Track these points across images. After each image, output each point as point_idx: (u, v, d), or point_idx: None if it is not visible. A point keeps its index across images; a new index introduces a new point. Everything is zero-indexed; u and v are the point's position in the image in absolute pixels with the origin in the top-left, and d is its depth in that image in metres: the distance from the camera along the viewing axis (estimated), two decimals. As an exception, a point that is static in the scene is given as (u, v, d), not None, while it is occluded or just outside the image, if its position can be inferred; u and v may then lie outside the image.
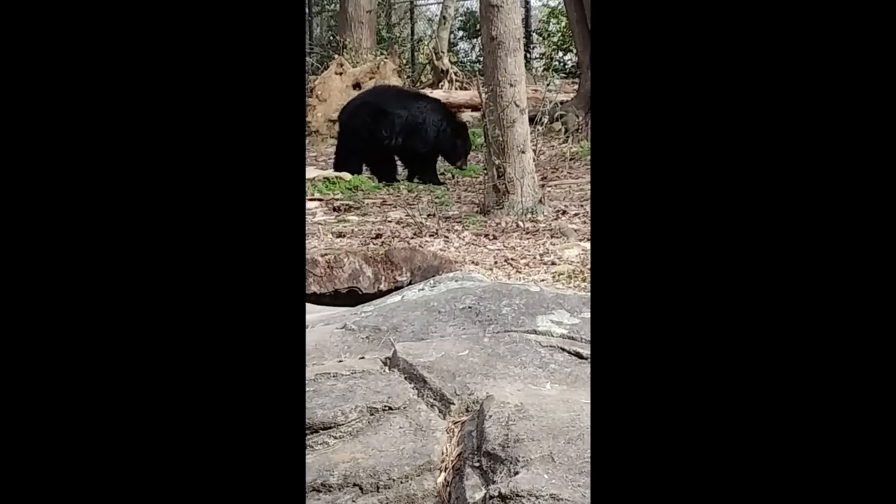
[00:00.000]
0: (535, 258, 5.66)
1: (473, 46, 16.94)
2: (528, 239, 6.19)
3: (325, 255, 4.86)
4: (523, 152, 6.93)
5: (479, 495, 2.30)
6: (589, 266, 5.34)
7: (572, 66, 14.97)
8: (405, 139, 8.77)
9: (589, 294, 3.98)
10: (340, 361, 3.01)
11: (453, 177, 9.23)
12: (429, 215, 7.06)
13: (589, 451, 2.32)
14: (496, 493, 2.23)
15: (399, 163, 9.25)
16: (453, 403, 2.70)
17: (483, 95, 7.08)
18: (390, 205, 7.70)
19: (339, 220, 6.93)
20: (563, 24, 15.01)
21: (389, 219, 6.97)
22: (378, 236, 6.28)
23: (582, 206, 7.23)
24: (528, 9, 16.63)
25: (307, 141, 10.83)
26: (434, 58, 14.56)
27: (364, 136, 8.84)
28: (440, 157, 9.18)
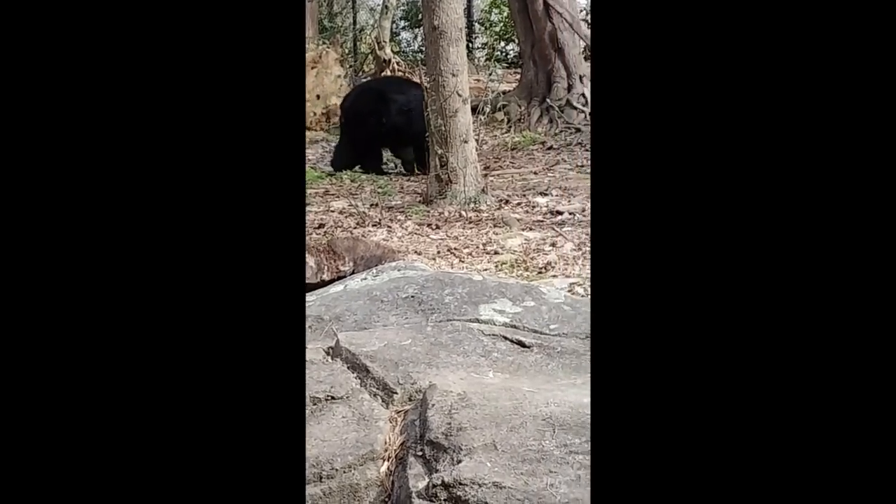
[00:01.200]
0: (477, 248, 5.67)
1: (416, 36, 16.91)
2: (470, 228, 6.20)
3: (267, 245, 4.82)
4: (466, 142, 6.93)
5: (421, 484, 2.31)
6: (531, 256, 5.36)
7: (514, 56, 15.00)
8: (394, 124, 8.62)
9: (530, 283, 4.00)
10: (283, 351, 2.99)
11: (395, 166, 9.21)
12: (371, 205, 7.04)
13: (531, 439, 2.34)
14: (439, 482, 2.23)
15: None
16: (396, 393, 2.70)
17: (425, 85, 7.07)
18: (333, 195, 7.66)
19: (281, 210, 6.88)
20: (506, 14, 15.04)
21: (332, 209, 6.93)
22: (321, 226, 6.26)
23: (524, 195, 7.25)
24: (470, -1, 16.65)
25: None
26: (376, 47, 14.51)
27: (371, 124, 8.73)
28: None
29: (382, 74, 11.88)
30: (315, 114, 11.53)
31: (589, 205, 6.60)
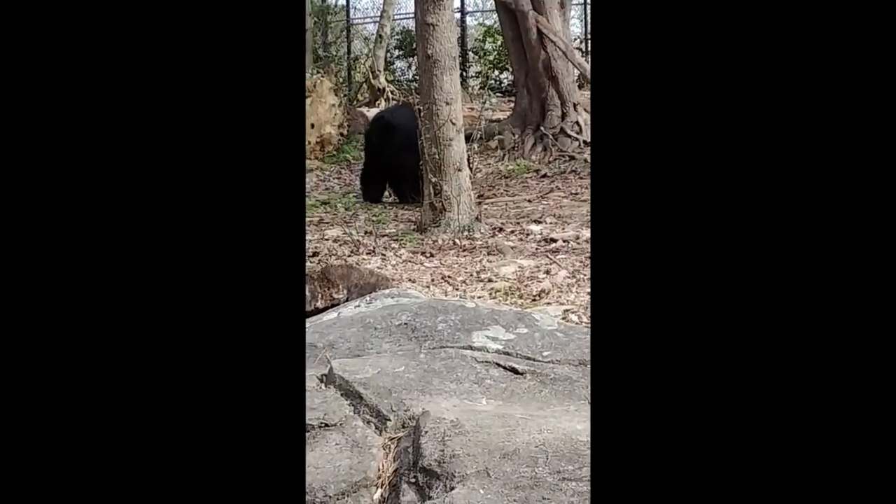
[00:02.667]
0: (471, 275, 5.68)
1: (410, 65, 16.99)
2: (464, 256, 6.21)
3: (261, 273, 4.81)
4: (459, 170, 6.96)
5: (415, 511, 2.30)
6: (525, 283, 5.37)
7: (508, 85, 15.07)
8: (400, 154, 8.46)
9: (524, 310, 4.00)
10: (276, 379, 2.99)
11: (390, 195, 9.23)
12: (366, 233, 7.06)
13: (524, 466, 2.34)
14: (432, 509, 2.23)
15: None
16: (389, 419, 2.70)
17: (419, 113, 7.10)
18: (327, 223, 7.68)
19: (275, 239, 6.88)
20: (499, 42, 15.12)
21: (326, 237, 6.95)
22: (315, 254, 6.27)
23: (518, 223, 7.27)
24: (463, 28, 16.74)
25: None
26: (370, 76, 14.59)
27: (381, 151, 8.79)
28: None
29: (381, 103, 11.93)
30: (310, 143, 11.56)
31: (583, 232, 6.62)
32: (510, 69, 13.36)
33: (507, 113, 12.22)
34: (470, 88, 14.90)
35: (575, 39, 15.19)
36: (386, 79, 14.86)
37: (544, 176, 9.75)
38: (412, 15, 10.29)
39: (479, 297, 5.03)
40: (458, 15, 15.96)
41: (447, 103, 6.89)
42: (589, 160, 10.20)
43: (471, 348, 3.23)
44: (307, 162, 11.08)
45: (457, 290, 5.34)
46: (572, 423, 2.57)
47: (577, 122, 11.00)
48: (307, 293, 4.76)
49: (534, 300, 5.01)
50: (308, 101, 11.74)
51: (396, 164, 8.50)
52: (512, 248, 6.37)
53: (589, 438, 2.44)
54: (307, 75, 13.32)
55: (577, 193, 8.56)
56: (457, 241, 6.65)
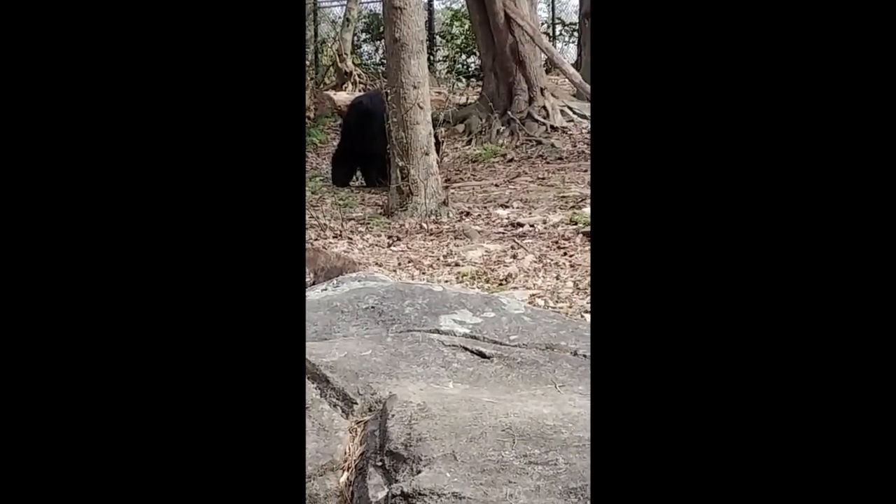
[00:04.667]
0: (438, 259, 5.68)
1: (377, 48, 16.92)
2: (431, 240, 6.21)
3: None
4: (426, 154, 6.95)
5: (381, 494, 2.30)
6: (492, 267, 5.38)
7: (475, 69, 15.05)
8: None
9: (491, 294, 4.01)
10: (242, 363, 2.98)
11: (357, 178, 9.21)
12: (332, 217, 7.04)
13: (491, 449, 2.34)
14: (398, 492, 2.23)
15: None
16: (356, 403, 2.69)
17: (386, 97, 7.08)
18: (293, 206, 7.64)
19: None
20: (467, 26, 15.08)
21: (292, 220, 6.92)
22: (281, 238, 6.24)
23: (485, 207, 7.27)
24: (431, 11, 16.70)
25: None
26: (338, 59, 14.52)
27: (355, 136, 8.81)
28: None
29: (348, 87, 11.89)
30: (276, 126, 11.51)
31: (549, 217, 6.63)
32: (477, 53, 13.33)
33: (475, 97, 12.20)
34: (437, 72, 14.87)
35: (542, 24, 15.19)
36: (353, 62, 14.81)
37: (511, 160, 9.75)
38: (380, -2, 10.27)
39: (446, 281, 5.03)
40: (425, -2, 15.93)
41: (414, 87, 6.87)
42: (556, 145, 10.23)
43: (438, 332, 3.23)
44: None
45: (423, 273, 5.34)
46: (539, 406, 2.58)
47: (544, 107, 11.00)
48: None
49: (500, 284, 5.02)
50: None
51: (370, 148, 8.49)
52: (479, 232, 6.38)
53: (555, 422, 2.45)
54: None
55: (543, 178, 8.57)
56: (424, 225, 6.64)
